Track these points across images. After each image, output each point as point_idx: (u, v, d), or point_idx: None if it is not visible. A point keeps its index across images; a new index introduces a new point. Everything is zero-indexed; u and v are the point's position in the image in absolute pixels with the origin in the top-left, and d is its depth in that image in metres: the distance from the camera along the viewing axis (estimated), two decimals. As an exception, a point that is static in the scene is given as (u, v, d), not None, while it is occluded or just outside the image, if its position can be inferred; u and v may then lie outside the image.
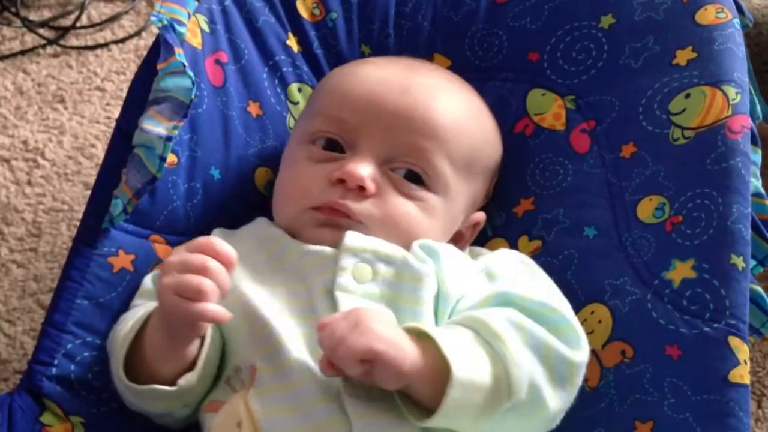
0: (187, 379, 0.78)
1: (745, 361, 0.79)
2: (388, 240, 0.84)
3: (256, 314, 0.80)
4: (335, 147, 0.87)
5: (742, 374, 0.78)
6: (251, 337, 0.79)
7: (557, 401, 0.76)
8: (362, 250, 0.82)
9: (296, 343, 0.77)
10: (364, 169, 0.84)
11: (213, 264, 0.74)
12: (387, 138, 0.86)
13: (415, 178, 0.86)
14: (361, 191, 0.84)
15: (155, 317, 0.78)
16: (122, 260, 0.88)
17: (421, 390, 0.73)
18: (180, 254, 0.76)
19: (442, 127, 0.87)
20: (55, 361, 0.83)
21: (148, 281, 0.87)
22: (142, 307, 0.82)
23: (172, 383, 0.78)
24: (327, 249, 0.83)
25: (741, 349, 0.79)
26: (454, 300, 0.81)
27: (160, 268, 0.76)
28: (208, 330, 0.79)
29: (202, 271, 0.74)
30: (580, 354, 0.77)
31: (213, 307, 0.74)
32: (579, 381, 0.77)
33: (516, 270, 0.86)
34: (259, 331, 0.79)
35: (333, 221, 0.84)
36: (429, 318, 0.80)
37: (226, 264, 0.75)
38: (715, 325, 0.80)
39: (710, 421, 0.77)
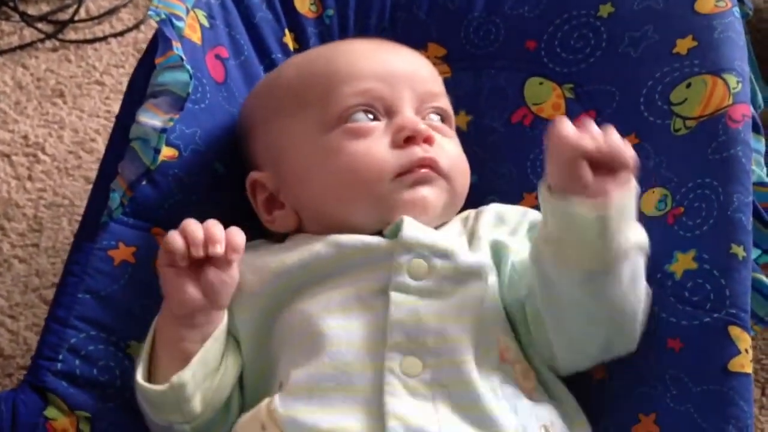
0: (180, 377, 0.76)
1: (747, 350, 0.78)
2: (461, 188, 0.86)
3: (310, 322, 0.78)
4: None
5: (742, 363, 0.78)
6: (299, 348, 0.78)
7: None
8: (418, 244, 0.79)
9: (339, 344, 0.76)
10: (419, 122, 0.85)
11: None
12: (412, 93, 0.87)
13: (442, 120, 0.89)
14: (427, 142, 0.84)
15: None
16: (123, 252, 0.87)
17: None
18: None
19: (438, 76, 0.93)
20: (60, 356, 0.83)
21: None
22: None
23: None
24: (382, 242, 0.81)
25: (741, 338, 0.78)
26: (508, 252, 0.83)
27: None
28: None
29: None
30: None
31: None
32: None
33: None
34: (308, 339, 0.77)
35: (426, 177, 0.83)
36: (495, 303, 0.80)
37: None
38: (715, 315, 0.79)
39: (711, 411, 0.77)
